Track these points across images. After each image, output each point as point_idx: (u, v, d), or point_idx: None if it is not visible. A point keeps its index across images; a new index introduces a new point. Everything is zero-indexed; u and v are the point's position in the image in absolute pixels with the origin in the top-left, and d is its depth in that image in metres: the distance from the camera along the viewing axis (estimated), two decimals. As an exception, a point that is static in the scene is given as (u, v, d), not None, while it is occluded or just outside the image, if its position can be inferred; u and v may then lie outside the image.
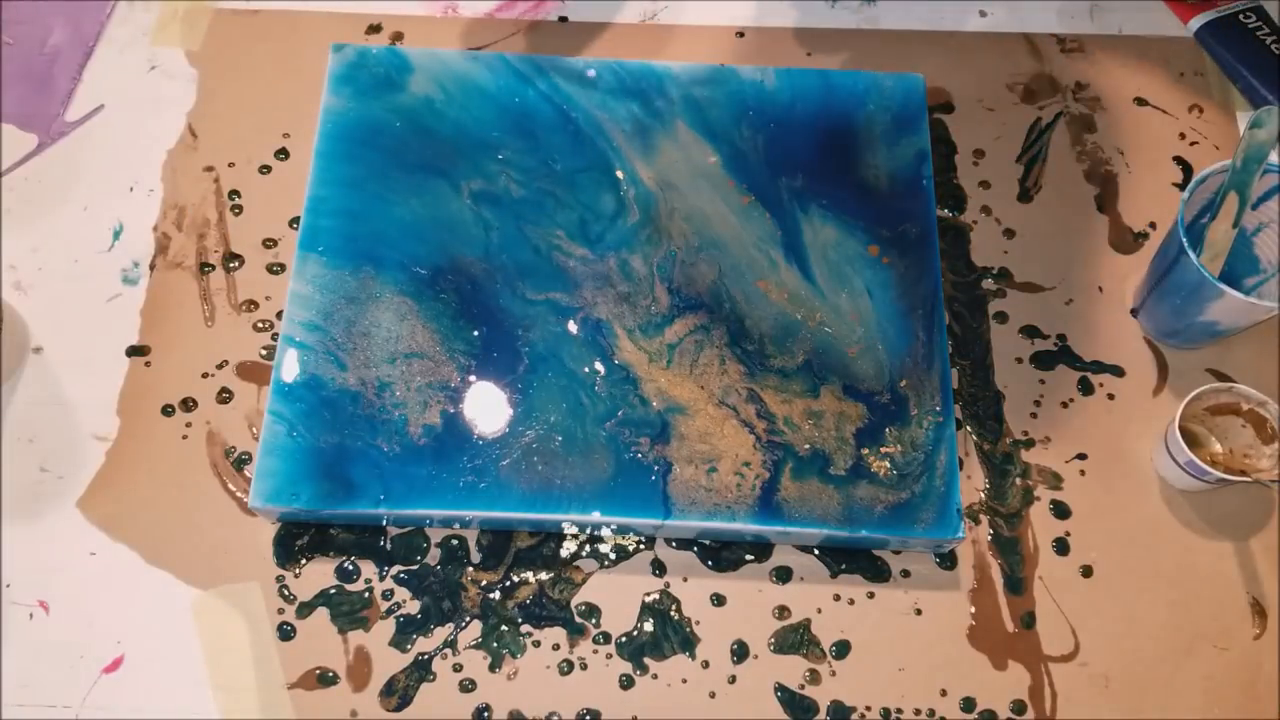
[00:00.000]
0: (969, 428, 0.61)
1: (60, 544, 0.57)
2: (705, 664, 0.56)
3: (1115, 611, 0.58)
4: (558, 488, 0.55)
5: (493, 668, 0.55)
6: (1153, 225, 0.68)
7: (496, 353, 0.58)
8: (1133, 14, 0.75)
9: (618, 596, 0.57)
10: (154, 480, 0.59)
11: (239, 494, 0.59)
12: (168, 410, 0.60)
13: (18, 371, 0.61)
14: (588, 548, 0.58)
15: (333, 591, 0.57)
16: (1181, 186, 0.69)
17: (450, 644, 0.56)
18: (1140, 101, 0.72)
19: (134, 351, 0.62)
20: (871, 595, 0.57)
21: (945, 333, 0.60)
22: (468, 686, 0.55)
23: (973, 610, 0.57)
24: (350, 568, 0.57)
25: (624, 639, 0.56)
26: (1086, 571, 0.58)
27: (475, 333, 0.59)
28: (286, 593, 0.56)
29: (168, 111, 0.69)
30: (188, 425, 0.60)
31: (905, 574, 0.58)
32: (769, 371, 0.59)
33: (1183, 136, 0.71)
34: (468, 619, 0.56)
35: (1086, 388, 0.63)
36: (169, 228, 0.65)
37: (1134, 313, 0.65)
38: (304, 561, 0.57)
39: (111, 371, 0.61)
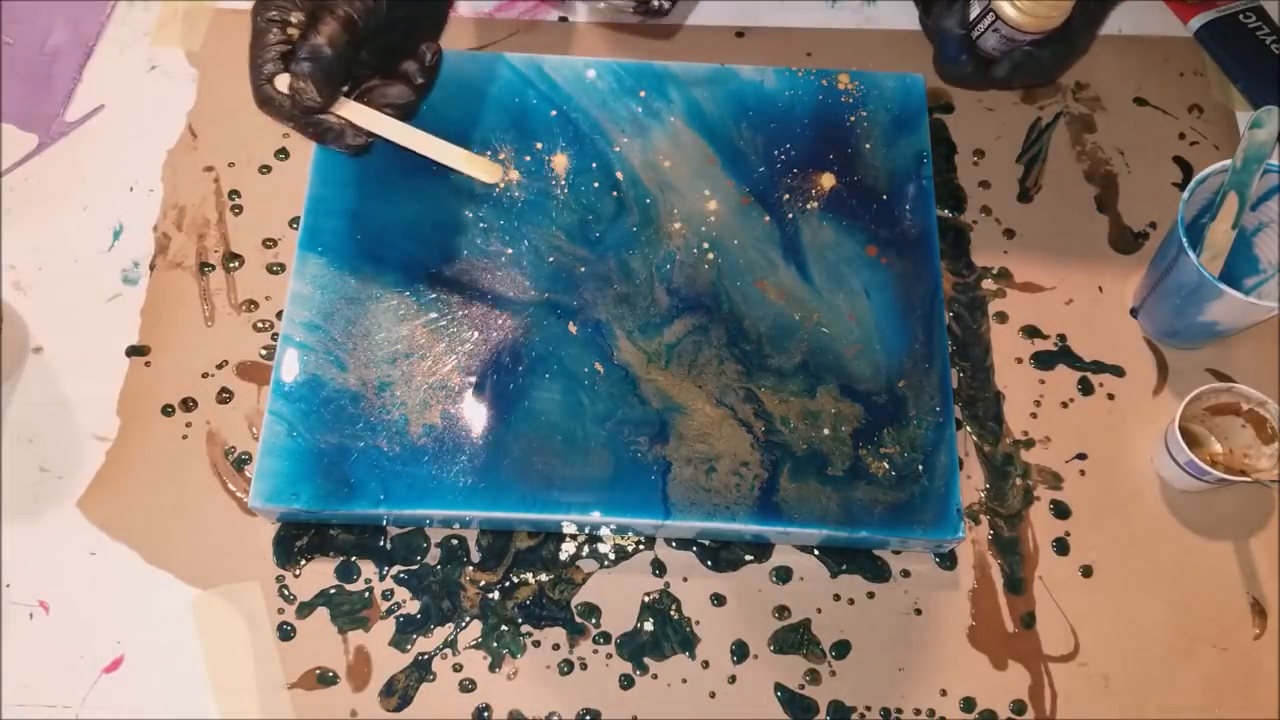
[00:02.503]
0: (969, 428, 0.61)
1: (60, 544, 0.57)
2: (705, 664, 0.56)
3: (1115, 611, 0.58)
4: (557, 488, 0.55)
5: (493, 668, 0.55)
6: (1153, 225, 0.68)
7: (496, 353, 0.58)
8: (1133, 14, 0.75)
9: (617, 596, 0.57)
10: (154, 480, 0.59)
11: (239, 494, 0.59)
12: (168, 410, 0.60)
13: (18, 371, 0.61)
14: (587, 548, 0.58)
15: (333, 591, 0.57)
16: (1181, 186, 0.69)
17: (450, 644, 0.56)
18: (1140, 101, 0.71)
19: (134, 351, 0.62)
20: (871, 595, 0.57)
21: (945, 333, 0.60)
22: (468, 686, 0.55)
23: (973, 610, 0.57)
24: (350, 568, 0.57)
25: (624, 639, 0.56)
26: (1086, 571, 0.58)
27: (475, 333, 0.59)
28: (286, 593, 0.56)
29: (168, 111, 0.69)
30: (188, 425, 0.60)
31: (905, 574, 0.58)
32: (767, 371, 0.59)
33: (1183, 136, 0.70)
34: (467, 619, 0.56)
35: (1086, 388, 0.63)
36: (169, 228, 0.65)
37: (1134, 313, 0.65)
38: (304, 561, 0.57)
39: (111, 371, 0.61)
